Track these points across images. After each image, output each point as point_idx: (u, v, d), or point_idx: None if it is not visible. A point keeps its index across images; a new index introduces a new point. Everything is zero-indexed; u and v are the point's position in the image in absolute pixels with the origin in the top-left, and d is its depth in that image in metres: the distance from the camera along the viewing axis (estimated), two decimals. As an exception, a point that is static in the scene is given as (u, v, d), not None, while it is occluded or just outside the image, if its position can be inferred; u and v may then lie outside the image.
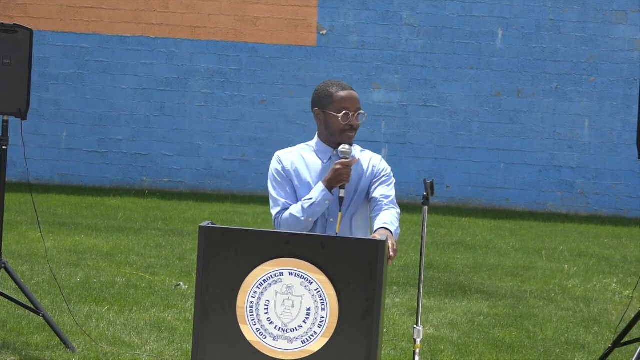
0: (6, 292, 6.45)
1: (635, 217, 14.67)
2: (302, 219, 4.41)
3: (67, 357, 5.87)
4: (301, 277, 3.70)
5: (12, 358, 5.78)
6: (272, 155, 4.66)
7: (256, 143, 14.97)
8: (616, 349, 6.13)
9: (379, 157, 4.67)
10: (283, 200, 4.50)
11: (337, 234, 4.43)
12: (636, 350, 5.72)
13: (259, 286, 3.72)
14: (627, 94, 14.80)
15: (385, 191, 4.55)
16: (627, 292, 8.81)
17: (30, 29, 6.08)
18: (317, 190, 4.44)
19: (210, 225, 3.79)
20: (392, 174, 4.65)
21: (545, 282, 9.13)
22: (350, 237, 4.33)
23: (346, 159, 4.44)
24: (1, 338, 6.17)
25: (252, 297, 3.73)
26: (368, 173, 4.59)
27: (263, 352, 3.72)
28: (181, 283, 8.10)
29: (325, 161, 4.56)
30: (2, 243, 6.20)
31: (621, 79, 14.82)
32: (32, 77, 6.09)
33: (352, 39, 14.95)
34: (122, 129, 15.04)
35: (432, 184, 4.09)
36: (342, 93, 4.54)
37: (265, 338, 3.72)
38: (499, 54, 14.88)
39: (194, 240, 9.95)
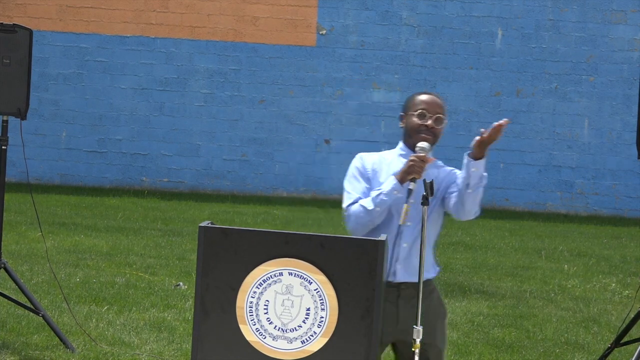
0: (6, 292, 6.45)
1: (635, 217, 14.67)
2: (370, 208, 4.39)
3: (67, 357, 5.87)
4: (301, 277, 3.70)
5: (12, 358, 5.78)
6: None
7: (256, 143, 14.95)
8: (616, 349, 6.13)
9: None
10: (356, 195, 4.50)
11: (399, 225, 4.35)
12: (636, 350, 5.72)
13: (259, 286, 3.72)
14: (626, 94, 14.80)
15: None
16: (627, 292, 8.81)
17: (30, 29, 6.08)
18: (388, 181, 4.44)
19: (209, 225, 3.79)
20: None
21: (544, 282, 9.12)
22: (350, 237, 4.32)
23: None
24: (1, 338, 6.16)
25: (251, 297, 3.73)
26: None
27: (262, 352, 3.71)
28: (181, 283, 8.10)
29: None
30: (2, 243, 6.20)
31: (621, 79, 14.81)
32: (31, 77, 6.09)
33: (352, 38, 14.94)
34: (121, 128, 15.04)
35: (431, 184, 4.09)
36: (422, 96, 4.65)
37: (264, 338, 3.72)
38: (498, 54, 14.88)
39: (194, 241, 9.94)
